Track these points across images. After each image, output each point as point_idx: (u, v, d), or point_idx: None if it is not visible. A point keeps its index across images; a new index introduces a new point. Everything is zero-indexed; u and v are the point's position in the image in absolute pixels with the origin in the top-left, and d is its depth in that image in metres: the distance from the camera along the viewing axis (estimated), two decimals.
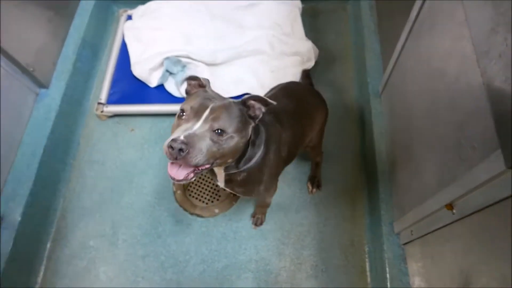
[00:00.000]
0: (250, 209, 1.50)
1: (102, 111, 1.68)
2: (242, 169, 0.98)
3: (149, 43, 1.76)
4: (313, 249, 1.40)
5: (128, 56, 1.78)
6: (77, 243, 1.48)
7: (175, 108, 1.63)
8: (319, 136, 1.36)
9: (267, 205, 1.42)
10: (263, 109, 0.87)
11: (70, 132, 1.66)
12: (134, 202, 1.54)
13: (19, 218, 1.35)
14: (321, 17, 1.89)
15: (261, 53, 1.72)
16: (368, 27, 1.63)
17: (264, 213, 1.46)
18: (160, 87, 1.70)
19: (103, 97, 1.70)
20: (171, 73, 1.68)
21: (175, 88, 1.67)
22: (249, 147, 0.95)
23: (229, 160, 0.89)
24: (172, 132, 0.81)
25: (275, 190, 1.25)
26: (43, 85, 1.60)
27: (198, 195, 1.54)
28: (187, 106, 0.81)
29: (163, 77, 1.67)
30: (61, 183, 1.58)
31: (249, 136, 0.90)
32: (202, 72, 1.65)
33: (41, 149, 1.48)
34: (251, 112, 0.87)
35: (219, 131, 0.79)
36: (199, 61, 1.67)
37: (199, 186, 1.56)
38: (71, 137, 1.67)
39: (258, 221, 1.46)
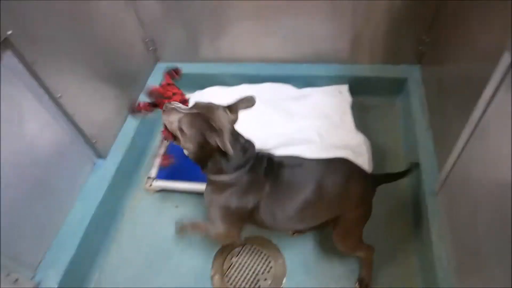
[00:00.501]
0: None
1: (150, 185, 1.72)
2: (209, 176, 1.12)
3: None
4: None
5: None
6: None
7: None
8: (349, 230, 1.21)
9: (212, 237, 1.24)
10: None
11: (118, 204, 1.69)
12: (168, 283, 1.47)
13: (55, 287, 1.32)
14: (370, 112, 1.93)
15: (310, 142, 1.74)
16: (419, 124, 1.64)
17: None
18: None
19: (153, 171, 1.76)
20: None
21: None
22: (218, 158, 1.05)
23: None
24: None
25: (226, 234, 1.17)
26: (101, 155, 1.69)
27: (237, 282, 1.45)
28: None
29: None
30: (100, 254, 1.56)
31: (194, 147, 1.04)
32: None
33: (89, 218, 1.50)
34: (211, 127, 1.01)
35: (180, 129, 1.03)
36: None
37: (239, 273, 1.48)
38: (117, 208, 1.69)
39: None
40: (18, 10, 1.21)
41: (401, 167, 1.67)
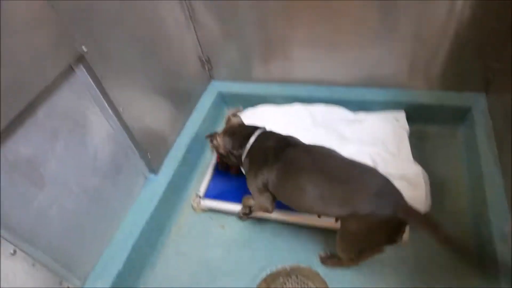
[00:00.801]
0: None
1: (198, 204, 1.72)
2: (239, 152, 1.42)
3: None
4: None
5: None
6: None
7: (277, 216, 1.59)
8: (345, 236, 1.20)
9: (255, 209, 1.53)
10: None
11: (166, 219, 1.70)
12: None
13: None
14: (428, 142, 1.83)
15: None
16: (485, 158, 1.52)
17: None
18: None
19: (202, 189, 1.76)
20: None
21: None
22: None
23: None
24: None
25: (258, 205, 1.44)
26: (154, 170, 1.72)
27: None
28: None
29: None
30: (146, 268, 1.57)
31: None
32: None
33: (139, 231, 1.52)
34: None
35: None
36: None
37: None
38: (165, 223, 1.70)
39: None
40: (92, 27, 1.28)
41: (462, 205, 1.56)
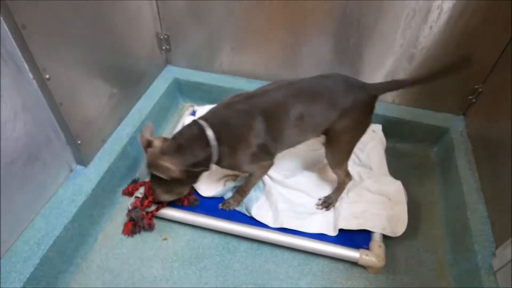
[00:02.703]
0: None
1: None
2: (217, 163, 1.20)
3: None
4: None
5: None
6: None
7: (232, 227, 1.33)
8: (337, 145, 1.25)
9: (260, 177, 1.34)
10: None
11: (91, 224, 1.34)
12: None
13: None
14: (402, 160, 1.70)
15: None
16: (467, 183, 1.40)
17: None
18: (215, 199, 1.43)
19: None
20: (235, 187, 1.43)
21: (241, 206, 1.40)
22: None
23: None
24: None
25: (268, 165, 1.25)
26: (83, 161, 1.35)
27: None
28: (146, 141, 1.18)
29: (225, 191, 1.42)
30: None
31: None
32: (276, 193, 1.41)
33: (51, 240, 1.15)
34: None
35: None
36: (270, 178, 1.44)
37: None
38: (90, 230, 1.33)
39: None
40: None
41: (439, 230, 1.43)
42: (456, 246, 1.33)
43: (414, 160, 1.70)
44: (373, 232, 1.32)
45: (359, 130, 1.23)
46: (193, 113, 1.80)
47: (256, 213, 1.36)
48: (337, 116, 1.16)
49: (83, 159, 1.35)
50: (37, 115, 1.13)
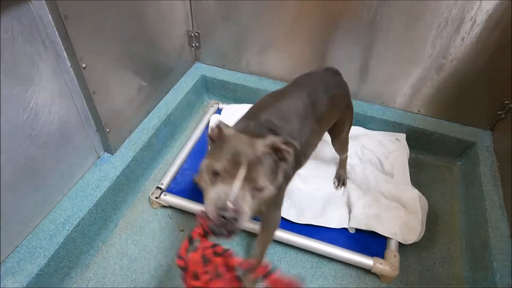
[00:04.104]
0: None
1: (157, 197, 1.43)
2: None
3: None
4: None
5: (205, 149, 1.60)
6: None
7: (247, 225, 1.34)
8: (344, 133, 1.34)
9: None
10: (291, 152, 0.82)
11: (114, 210, 1.39)
12: None
13: None
14: (424, 171, 1.67)
15: (354, 182, 1.49)
16: (490, 199, 1.37)
17: None
18: None
19: (165, 182, 1.47)
20: None
21: None
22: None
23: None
24: (205, 189, 0.75)
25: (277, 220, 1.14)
26: (109, 149, 1.41)
27: None
28: (219, 165, 0.73)
29: None
30: (76, 268, 1.24)
31: (281, 181, 0.87)
32: (291, 189, 1.42)
33: (76, 221, 1.20)
34: (279, 155, 0.82)
35: (258, 188, 0.74)
36: None
37: None
38: (112, 215, 1.39)
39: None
40: None
41: (457, 244, 1.40)
42: (474, 263, 1.31)
43: (437, 173, 1.67)
44: (389, 240, 1.31)
45: (352, 113, 1.33)
46: (218, 111, 1.84)
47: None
48: (344, 106, 1.25)
49: (110, 147, 1.40)
50: (71, 101, 1.19)
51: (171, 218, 1.43)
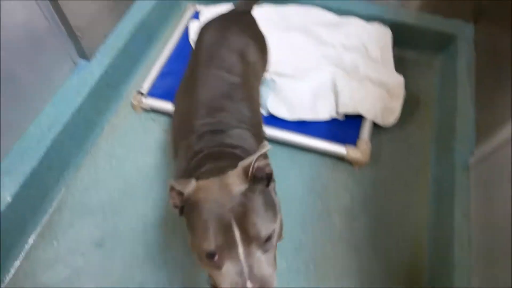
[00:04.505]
0: None
1: (139, 102, 1.47)
2: None
3: None
4: None
5: (185, 52, 1.59)
6: (66, 246, 1.21)
7: None
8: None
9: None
10: (269, 162, 0.67)
11: (98, 115, 1.44)
12: (147, 215, 1.27)
13: (9, 199, 1.10)
14: (404, 65, 1.68)
15: (341, 68, 1.52)
16: (462, 89, 1.41)
17: None
18: None
19: (146, 87, 1.49)
20: None
21: None
22: None
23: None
24: (213, 276, 0.62)
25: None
26: (85, 56, 1.40)
27: None
28: (209, 245, 0.58)
29: None
30: (69, 170, 1.34)
31: (278, 202, 0.70)
32: (280, 87, 1.46)
33: (61, 126, 1.26)
34: (259, 174, 0.64)
35: (268, 238, 0.60)
36: (276, 73, 1.49)
37: None
38: (97, 121, 1.44)
39: None
40: None
41: (428, 129, 1.48)
42: (441, 147, 1.40)
43: (417, 68, 1.68)
44: (362, 129, 1.38)
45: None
46: (196, 15, 1.77)
47: (271, 108, 1.42)
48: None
49: (85, 53, 1.39)
50: (38, 5, 1.15)
51: (154, 121, 1.49)
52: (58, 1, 1.19)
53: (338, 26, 1.61)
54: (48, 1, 1.19)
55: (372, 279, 1.19)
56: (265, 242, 0.59)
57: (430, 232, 1.27)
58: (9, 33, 1.07)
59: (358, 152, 1.33)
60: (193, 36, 1.64)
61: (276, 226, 0.62)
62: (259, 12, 1.66)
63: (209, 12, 1.73)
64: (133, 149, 1.42)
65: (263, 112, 1.43)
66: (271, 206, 0.63)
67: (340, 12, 1.67)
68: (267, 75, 1.47)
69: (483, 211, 1.09)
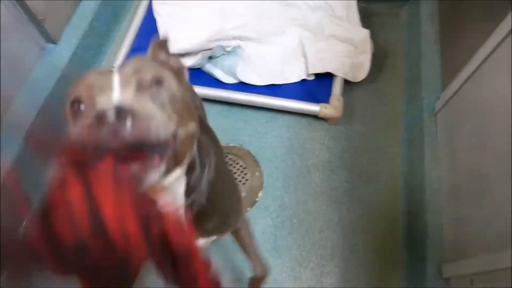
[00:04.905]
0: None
1: None
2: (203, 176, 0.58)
3: (183, 21, 1.54)
4: (335, 279, 1.19)
5: (152, 25, 1.57)
6: None
7: (206, 92, 1.42)
8: None
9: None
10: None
11: None
12: None
13: None
14: (372, 20, 1.69)
15: (307, 29, 1.52)
16: (427, 36, 1.44)
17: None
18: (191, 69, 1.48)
19: (117, 64, 1.49)
20: (210, 57, 1.47)
21: (220, 72, 1.47)
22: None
23: (191, 135, 0.50)
24: (69, 132, 0.46)
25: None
26: (51, 39, 1.39)
27: None
28: (77, 89, 0.46)
29: (201, 60, 1.46)
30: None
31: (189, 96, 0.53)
32: (248, 53, 1.47)
33: (34, 114, 1.26)
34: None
35: (155, 81, 0.46)
36: (242, 38, 1.49)
37: None
38: None
39: None
40: None
41: (398, 81, 1.52)
42: (410, 96, 1.45)
43: (384, 20, 1.70)
44: (333, 86, 1.42)
45: None
46: None
47: (241, 76, 1.43)
48: None
49: (51, 37, 1.38)
50: None
51: None
52: None
53: None
54: None
55: (353, 227, 1.27)
56: (155, 86, 0.46)
57: (404, 178, 1.34)
58: None
59: (331, 108, 1.38)
60: (156, 8, 1.62)
61: (171, 81, 0.48)
62: None
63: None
64: None
65: (230, 80, 1.46)
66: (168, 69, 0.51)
67: None
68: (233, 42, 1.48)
69: (449, 152, 1.16)
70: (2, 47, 1.19)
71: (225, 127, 1.43)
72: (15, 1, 1.21)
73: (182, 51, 1.46)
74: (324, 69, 1.42)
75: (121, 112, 0.39)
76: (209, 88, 1.44)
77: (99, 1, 1.53)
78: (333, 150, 1.39)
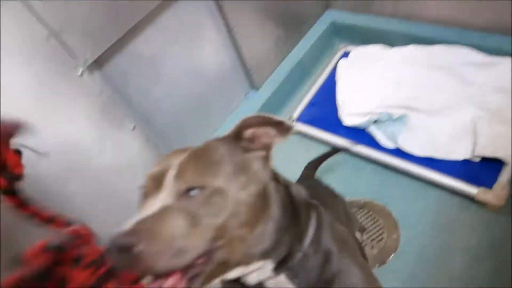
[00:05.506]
0: None
1: None
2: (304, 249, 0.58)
3: (359, 87, 1.77)
4: None
5: (330, 87, 1.86)
6: None
7: (372, 154, 1.57)
8: None
9: None
10: (275, 134, 0.56)
11: None
12: None
13: None
14: None
15: (484, 110, 1.48)
16: None
17: None
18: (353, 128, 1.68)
19: (296, 114, 1.83)
20: (375, 120, 1.63)
21: (382, 135, 1.60)
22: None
23: (240, 239, 0.49)
24: None
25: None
26: (255, 86, 1.85)
27: None
28: (145, 178, 0.50)
29: (367, 123, 1.63)
30: None
31: (263, 182, 0.53)
32: (414, 123, 1.56)
33: None
34: (254, 146, 0.56)
35: (192, 190, 0.46)
36: (411, 108, 1.59)
37: None
38: None
39: None
40: None
41: None
42: None
43: None
44: (500, 173, 1.35)
45: None
46: (345, 55, 2.01)
47: (402, 143, 1.52)
48: None
49: (255, 85, 1.85)
50: (226, 53, 1.66)
51: (300, 143, 1.79)
52: (240, 48, 1.66)
53: (489, 66, 1.59)
54: (233, 49, 1.67)
55: None
56: (190, 198, 0.46)
57: None
58: (205, 68, 1.58)
59: (493, 195, 1.31)
60: (340, 71, 1.90)
61: (216, 188, 0.47)
62: (402, 51, 1.80)
63: (360, 51, 1.95)
64: (276, 163, 1.74)
65: (390, 145, 1.55)
66: (229, 165, 0.50)
67: (496, 49, 1.63)
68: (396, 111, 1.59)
69: None
70: (221, 85, 1.68)
71: (374, 184, 1.54)
72: (238, 58, 1.70)
73: (353, 114, 1.68)
74: (495, 153, 1.37)
75: (123, 249, 0.40)
76: (368, 147, 1.59)
77: (296, 61, 1.93)
78: (482, 238, 1.31)
